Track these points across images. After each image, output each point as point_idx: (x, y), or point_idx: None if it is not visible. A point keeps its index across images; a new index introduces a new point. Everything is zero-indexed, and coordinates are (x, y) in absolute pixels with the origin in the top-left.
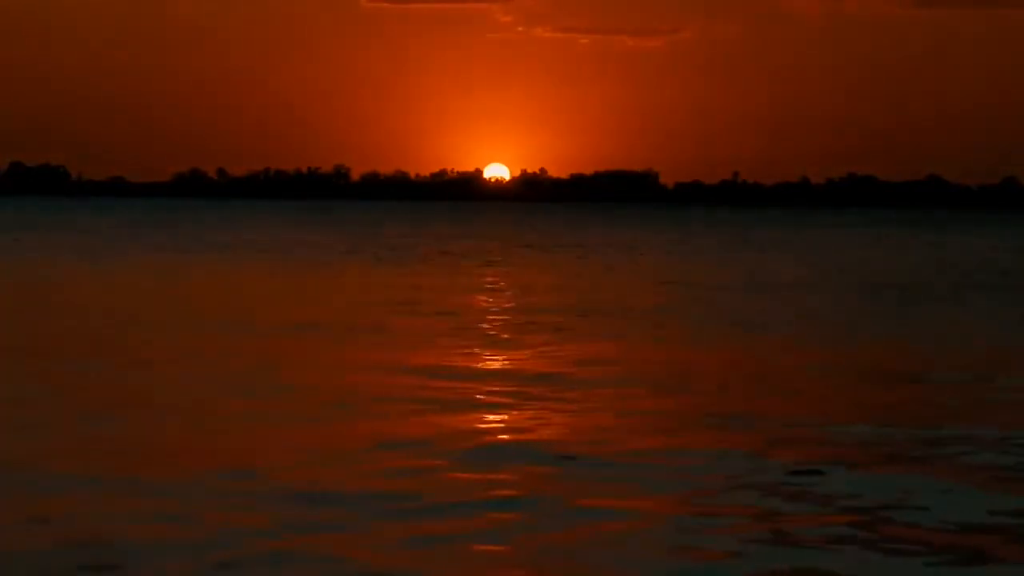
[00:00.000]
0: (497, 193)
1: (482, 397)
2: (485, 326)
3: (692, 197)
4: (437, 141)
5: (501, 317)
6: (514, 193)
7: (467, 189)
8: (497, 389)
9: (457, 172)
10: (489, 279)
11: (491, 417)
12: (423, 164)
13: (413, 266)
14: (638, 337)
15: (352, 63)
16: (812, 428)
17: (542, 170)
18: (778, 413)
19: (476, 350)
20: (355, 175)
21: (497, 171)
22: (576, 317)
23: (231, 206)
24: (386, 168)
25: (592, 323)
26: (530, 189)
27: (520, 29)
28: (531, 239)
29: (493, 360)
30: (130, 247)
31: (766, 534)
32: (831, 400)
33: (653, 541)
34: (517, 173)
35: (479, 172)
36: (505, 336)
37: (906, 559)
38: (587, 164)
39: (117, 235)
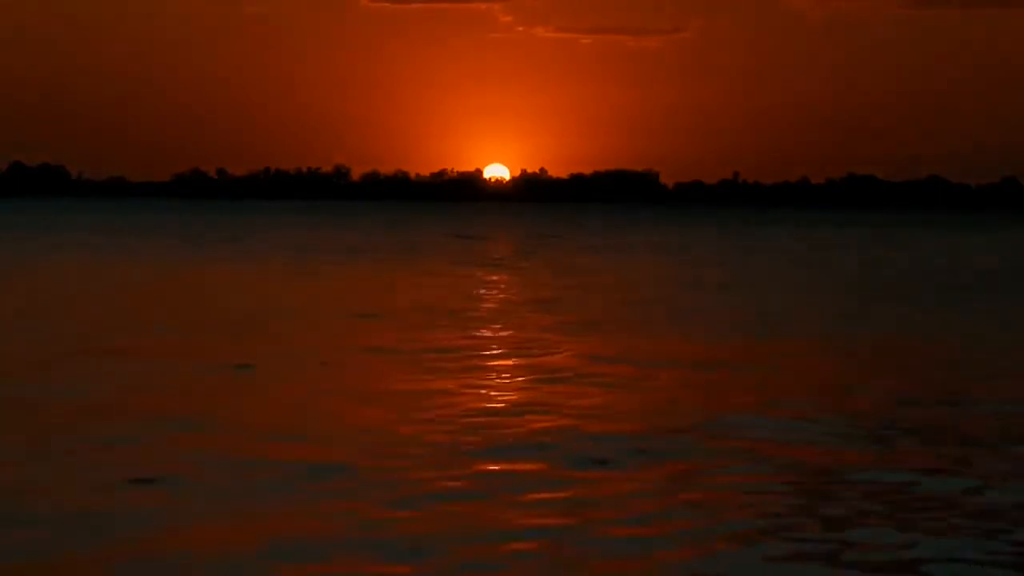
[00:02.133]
0: (497, 193)
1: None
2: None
3: (692, 197)
4: (437, 141)
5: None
6: (514, 193)
7: (467, 189)
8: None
9: (457, 172)
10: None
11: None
12: (423, 164)
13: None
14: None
15: (352, 63)
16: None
17: (542, 170)
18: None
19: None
20: (355, 175)
21: (497, 171)
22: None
23: (242, 207)
24: (386, 168)
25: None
26: (530, 189)
27: (520, 29)
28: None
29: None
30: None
31: None
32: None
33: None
34: (517, 173)
35: (479, 172)
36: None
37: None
38: (587, 164)
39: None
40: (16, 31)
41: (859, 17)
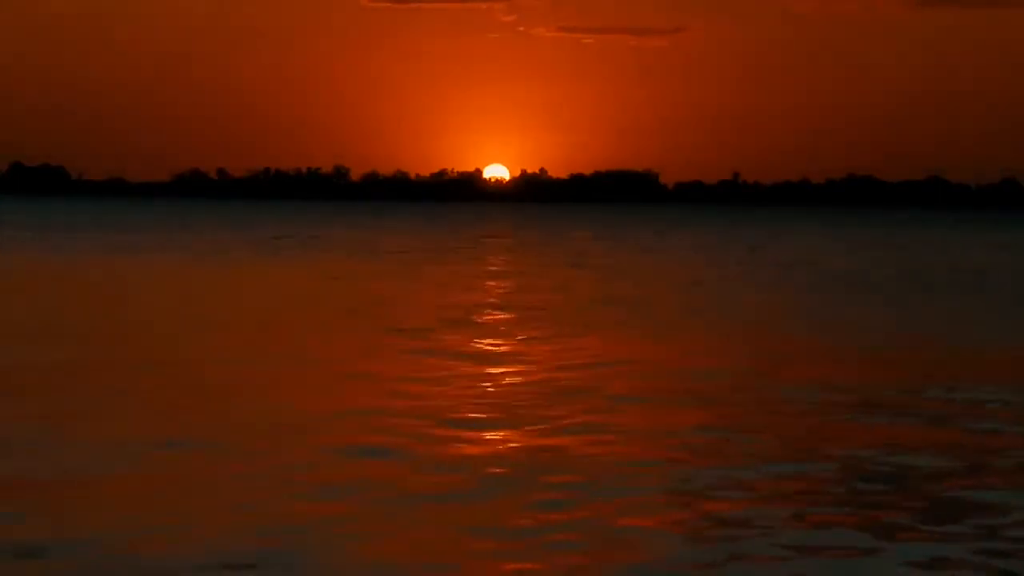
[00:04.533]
0: (497, 193)
1: None
2: None
3: (692, 197)
4: (437, 141)
5: None
6: (514, 193)
7: (467, 189)
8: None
9: (457, 172)
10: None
11: None
12: (423, 164)
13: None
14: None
15: (352, 63)
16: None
17: (542, 170)
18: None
19: None
20: (355, 175)
21: (497, 171)
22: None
23: (241, 206)
24: (386, 168)
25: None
26: (530, 189)
27: (521, 29)
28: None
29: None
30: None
31: None
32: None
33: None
34: (517, 173)
35: (479, 172)
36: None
37: None
38: (587, 164)
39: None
40: (16, 32)
41: (859, 18)
